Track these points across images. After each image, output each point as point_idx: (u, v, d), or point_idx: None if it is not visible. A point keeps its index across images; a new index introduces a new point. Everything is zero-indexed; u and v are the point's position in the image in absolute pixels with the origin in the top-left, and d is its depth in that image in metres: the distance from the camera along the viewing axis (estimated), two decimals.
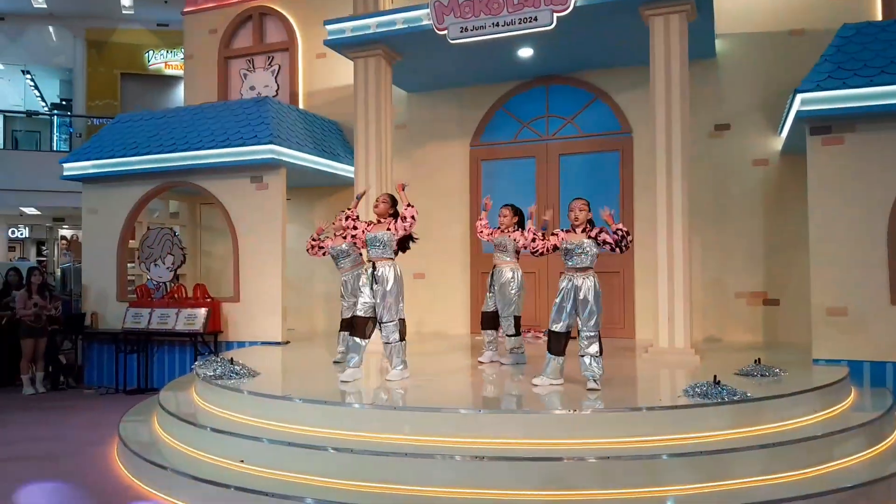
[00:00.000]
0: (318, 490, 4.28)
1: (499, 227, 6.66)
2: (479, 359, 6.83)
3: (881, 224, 6.55)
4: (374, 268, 5.86)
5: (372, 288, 5.83)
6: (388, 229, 5.90)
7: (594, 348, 5.33)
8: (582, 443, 4.45)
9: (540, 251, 5.67)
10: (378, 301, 5.82)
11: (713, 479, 4.23)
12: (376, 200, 6.15)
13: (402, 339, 5.92)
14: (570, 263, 5.44)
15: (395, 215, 6.00)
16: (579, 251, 5.38)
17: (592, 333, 5.34)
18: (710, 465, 4.28)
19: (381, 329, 5.88)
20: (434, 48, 8.19)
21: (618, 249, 5.34)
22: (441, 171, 9.99)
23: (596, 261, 5.44)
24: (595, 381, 5.31)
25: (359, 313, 5.89)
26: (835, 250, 6.69)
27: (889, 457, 4.93)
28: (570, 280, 5.42)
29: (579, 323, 5.43)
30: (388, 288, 5.80)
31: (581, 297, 5.36)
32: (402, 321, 5.92)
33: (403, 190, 5.99)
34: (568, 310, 5.41)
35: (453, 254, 9.86)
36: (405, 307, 6.02)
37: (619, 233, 5.32)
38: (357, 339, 5.90)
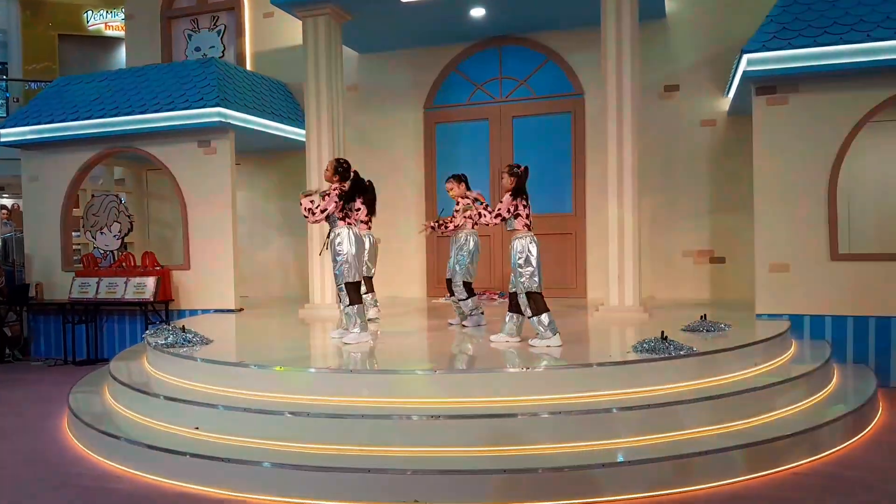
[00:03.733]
0: (275, 454, 4.27)
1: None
2: (450, 321, 6.90)
3: (822, 182, 6.74)
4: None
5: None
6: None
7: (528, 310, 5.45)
8: (535, 399, 4.54)
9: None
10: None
11: (662, 430, 4.36)
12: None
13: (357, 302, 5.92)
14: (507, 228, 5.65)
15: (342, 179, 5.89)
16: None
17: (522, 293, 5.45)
18: (658, 417, 4.41)
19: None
20: (385, 7, 8.04)
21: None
22: (394, 133, 9.88)
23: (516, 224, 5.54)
24: (539, 337, 5.43)
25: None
26: (778, 208, 6.88)
27: (827, 405, 5.16)
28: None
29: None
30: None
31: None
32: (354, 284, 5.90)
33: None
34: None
35: (408, 217, 9.82)
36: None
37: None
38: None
